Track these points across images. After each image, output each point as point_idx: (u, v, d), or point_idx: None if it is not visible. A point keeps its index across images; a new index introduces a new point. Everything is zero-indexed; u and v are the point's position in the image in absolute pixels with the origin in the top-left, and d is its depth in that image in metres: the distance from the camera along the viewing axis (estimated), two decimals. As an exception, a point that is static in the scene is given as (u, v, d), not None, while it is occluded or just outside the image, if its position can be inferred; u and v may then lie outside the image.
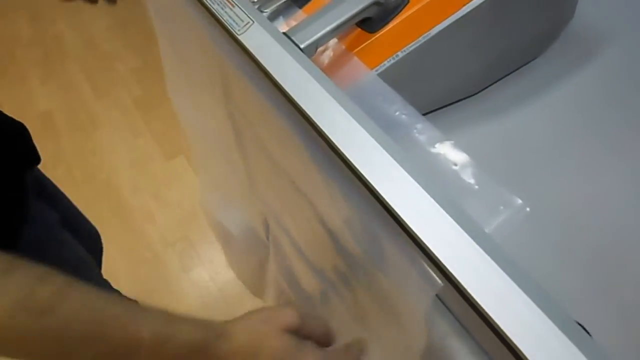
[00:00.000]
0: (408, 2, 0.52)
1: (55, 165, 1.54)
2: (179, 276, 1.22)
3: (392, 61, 0.53)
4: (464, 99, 0.64)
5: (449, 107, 0.64)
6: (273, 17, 0.60)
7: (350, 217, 0.47)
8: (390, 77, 0.53)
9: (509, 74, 0.66)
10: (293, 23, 0.59)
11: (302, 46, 0.49)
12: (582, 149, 0.59)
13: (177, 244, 1.28)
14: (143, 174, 1.45)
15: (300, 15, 0.59)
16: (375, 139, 0.39)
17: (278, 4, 0.59)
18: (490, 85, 0.65)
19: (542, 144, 0.60)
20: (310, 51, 0.49)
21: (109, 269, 1.27)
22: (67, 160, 1.55)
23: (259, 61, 0.48)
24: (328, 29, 0.49)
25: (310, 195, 0.57)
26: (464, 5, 0.52)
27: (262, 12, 0.59)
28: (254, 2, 0.60)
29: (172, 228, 1.32)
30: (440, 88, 0.61)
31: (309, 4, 0.59)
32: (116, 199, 1.41)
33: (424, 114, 0.59)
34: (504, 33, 0.59)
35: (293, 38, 0.49)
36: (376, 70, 0.53)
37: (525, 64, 0.67)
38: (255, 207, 0.91)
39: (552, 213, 0.52)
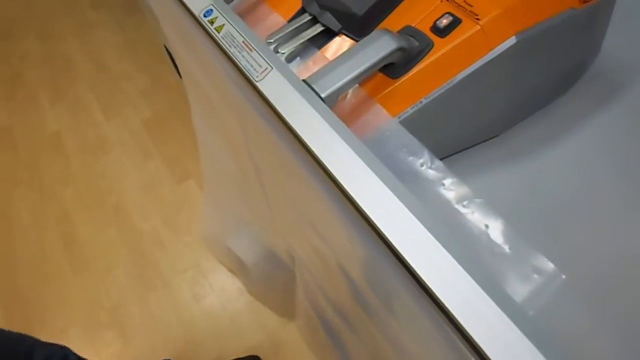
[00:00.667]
0: (432, 47, 0.50)
1: (64, 188, 1.53)
2: (190, 305, 1.19)
3: (416, 108, 0.51)
4: (485, 141, 0.62)
5: (468, 149, 0.61)
6: (290, 58, 0.58)
7: (374, 277, 0.45)
8: (413, 124, 0.51)
9: (532, 114, 0.64)
10: (311, 65, 0.58)
11: (323, 95, 0.47)
12: (613, 194, 0.56)
13: (188, 272, 1.26)
14: (153, 198, 1.44)
15: (319, 57, 0.57)
16: (400, 199, 0.37)
17: (296, 44, 0.57)
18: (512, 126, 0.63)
19: (568, 189, 0.58)
20: (331, 100, 0.48)
21: (117, 297, 1.25)
22: (76, 182, 1.53)
23: (277, 109, 0.46)
24: (350, 77, 0.48)
25: (331, 244, 0.55)
26: (490, 50, 0.50)
27: (278, 52, 0.58)
28: (270, 42, 0.58)
29: (182, 255, 1.30)
30: (462, 132, 0.59)
31: (327, 45, 0.57)
32: (125, 224, 1.40)
33: (443, 158, 0.57)
34: (530, 75, 0.57)
35: (314, 86, 0.47)
36: (399, 117, 0.51)
37: (549, 103, 0.64)
38: (278, 239, 0.89)
39: (582, 269, 0.49)
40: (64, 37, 2.05)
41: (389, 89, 0.51)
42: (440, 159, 0.45)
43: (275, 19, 0.62)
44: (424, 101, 0.51)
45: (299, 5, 0.60)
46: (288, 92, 0.47)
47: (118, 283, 1.27)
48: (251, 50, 0.53)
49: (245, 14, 0.65)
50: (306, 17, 0.59)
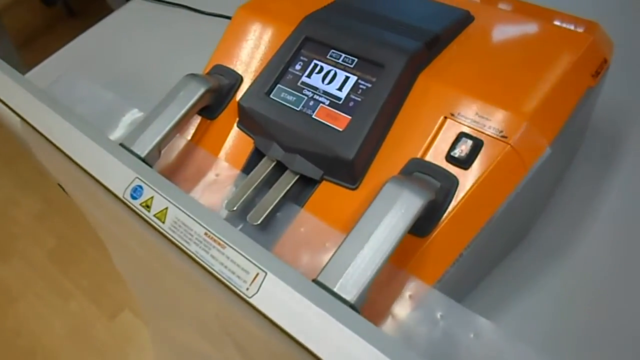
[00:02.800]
0: (457, 185, 0.39)
1: (-30, 362, 1.25)
2: None
3: (455, 265, 0.39)
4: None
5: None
6: (265, 225, 0.44)
7: None
8: (452, 284, 0.40)
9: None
10: (303, 236, 0.44)
11: (350, 301, 0.34)
12: None
13: None
14: (85, 345, 1.21)
15: (307, 220, 0.43)
16: None
17: (269, 209, 0.43)
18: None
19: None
20: (361, 300, 0.34)
21: None
22: (-16, 349, 1.26)
23: (277, 324, 0.33)
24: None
25: None
26: (527, 171, 0.39)
27: (246, 222, 0.43)
28: (232, 211, 0.44)
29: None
30: (492, 261, 0.48)
31: (312, 198, 0.44)
32: (61, 387, 1.16)
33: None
34: (557, 167, 0.48)
35: (335, 290, 0.34)
36: (438, 282, 0.39)
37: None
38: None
39: None
40: None
41: (420, 250, 0.39)
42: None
43: (224, 171, 0.48)
44: (465, 253, 0.39)
45: (247, 146, 0.47)
46: (292, 301, 0.33)
47: None
48: (224, 247, 0.38)
49: (175, 169, 0.50)
50: (268, 164, 0.45)
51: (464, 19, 0.47)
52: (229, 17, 0.79)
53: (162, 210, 0.41)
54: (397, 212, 0.36)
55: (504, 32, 0.47)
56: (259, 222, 0.42)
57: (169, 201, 0.41)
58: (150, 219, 0.42)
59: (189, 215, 0.40)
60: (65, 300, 1.30)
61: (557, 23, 0.48)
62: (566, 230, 0.52)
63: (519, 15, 0.49)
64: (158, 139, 0.46)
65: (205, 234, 0.39)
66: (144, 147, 0.46)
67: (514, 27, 0.47)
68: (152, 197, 0.42)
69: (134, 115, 0.57)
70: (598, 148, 0.58)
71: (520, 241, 0.51)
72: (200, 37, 0.78)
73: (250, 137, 0.47)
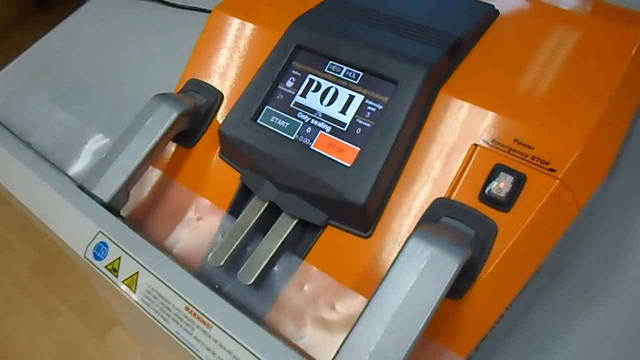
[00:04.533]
0: (497, 231, 0.31)
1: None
2: None
3: (494, 329, 0.32)
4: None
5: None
6: (258, 284, 0.37)
7: None
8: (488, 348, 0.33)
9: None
10: (311, 298, 0.36)
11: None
12: None
13: None
14: (76, 364, 1.14)
15: (316, 278, 0.36)
16: None
17: (262, 265, 0.35)
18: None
19: None
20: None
21: None
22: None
23: None
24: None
25: None
26: (579, 210, 0.32)
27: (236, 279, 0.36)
28: (218, 266, 0.36)
29: None
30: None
31: (314, 249, 0.36)
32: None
33: None
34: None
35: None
36: (475, 351, 0.31)
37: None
38: None
39: None
40: None
41: (454, 316, 0.31)
42: None
43: (206, 212, 0.40)
44: (506, 313, 0.32)
45: (232, 180, 0.39)
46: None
47: None
48: (210, 327, 0.31)
49: (148, 212, 0.42)
50: (260, 205, 0.37)
51: (489, 15, 0.39)
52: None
53: (132, 276, 0.34)
54: (428, 278, 0.28)
55: (538, 29, 0.38)
56: (251, 281, 0.34)
57: (140, 264, 0.33)
58: (119, 287, 0.34)
59: (165, 284, 0.32)
60: (51, 318, 1.22)
61: (600, 12, 0.40)
62: (605, 260, 0.44)
63: (551, 6, 0.40)
64: (124, 178, 0.38)
65: (187, 308, 0.32)
66: (107, 189, 0.38)
67: (548, 22, 0.39)
68: (119, 259, 0.34)
69: (98, 142, 0.49)
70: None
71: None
72: (179, 34, 0.69)
73: (237, 170, 0.39)
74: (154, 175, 0.42)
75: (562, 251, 0.34)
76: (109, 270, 0.34)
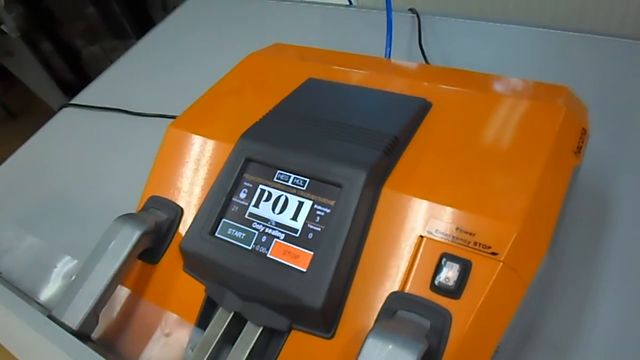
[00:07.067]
0: (451, 320, 0.32)
1: None
2: None
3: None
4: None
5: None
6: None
7: None
8: None
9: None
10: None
11: None
12: None
13: None
14: None
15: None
16: None
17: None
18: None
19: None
20: None
21: None
22: None
23: None
24: None
25: None
26: (526, 287, 0.33)
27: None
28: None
29: None
30: None
31: (283, 353, 0.37)
32: None
33: None
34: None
35: None
36: None
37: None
38: None
39: None
40: None
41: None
42: None
43: (175, 326, 0.41)
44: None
45: (198, 293, 0.40)
46: None
47: None
48: None
49: (118, 330, 0.43)
50: (226, 316, 0.38)
51: (422, 108, 0.42)
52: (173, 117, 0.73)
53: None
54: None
55: (468, 117, 0.41)
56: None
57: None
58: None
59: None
60: None
61: (521, 91, 0.43)
62: (568, 319, 0.45)
63: (479, 92, 0.44)
64: (92, 304, 0.39)
65: None
66: (76, 316, 0.39)
67: (477, 108, 0.42)
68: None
69: (66, 265, 0.50)
70: (587, 209, 0.52)
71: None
72: (143, 141, 0.71)
73: (201, 282, 0.40)
74: (122, 293, 0.43)
75: (519, 327, 0.36)
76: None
